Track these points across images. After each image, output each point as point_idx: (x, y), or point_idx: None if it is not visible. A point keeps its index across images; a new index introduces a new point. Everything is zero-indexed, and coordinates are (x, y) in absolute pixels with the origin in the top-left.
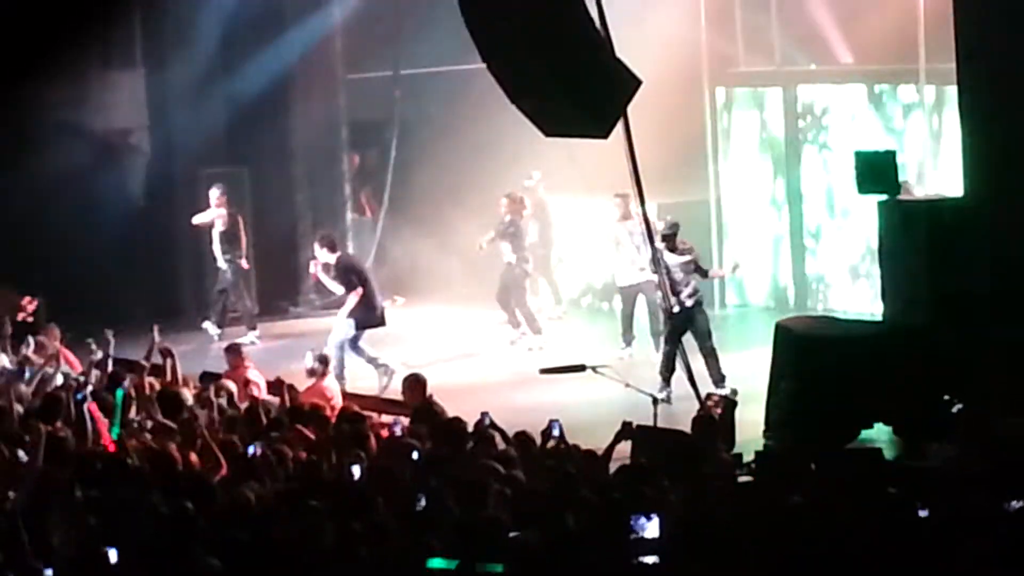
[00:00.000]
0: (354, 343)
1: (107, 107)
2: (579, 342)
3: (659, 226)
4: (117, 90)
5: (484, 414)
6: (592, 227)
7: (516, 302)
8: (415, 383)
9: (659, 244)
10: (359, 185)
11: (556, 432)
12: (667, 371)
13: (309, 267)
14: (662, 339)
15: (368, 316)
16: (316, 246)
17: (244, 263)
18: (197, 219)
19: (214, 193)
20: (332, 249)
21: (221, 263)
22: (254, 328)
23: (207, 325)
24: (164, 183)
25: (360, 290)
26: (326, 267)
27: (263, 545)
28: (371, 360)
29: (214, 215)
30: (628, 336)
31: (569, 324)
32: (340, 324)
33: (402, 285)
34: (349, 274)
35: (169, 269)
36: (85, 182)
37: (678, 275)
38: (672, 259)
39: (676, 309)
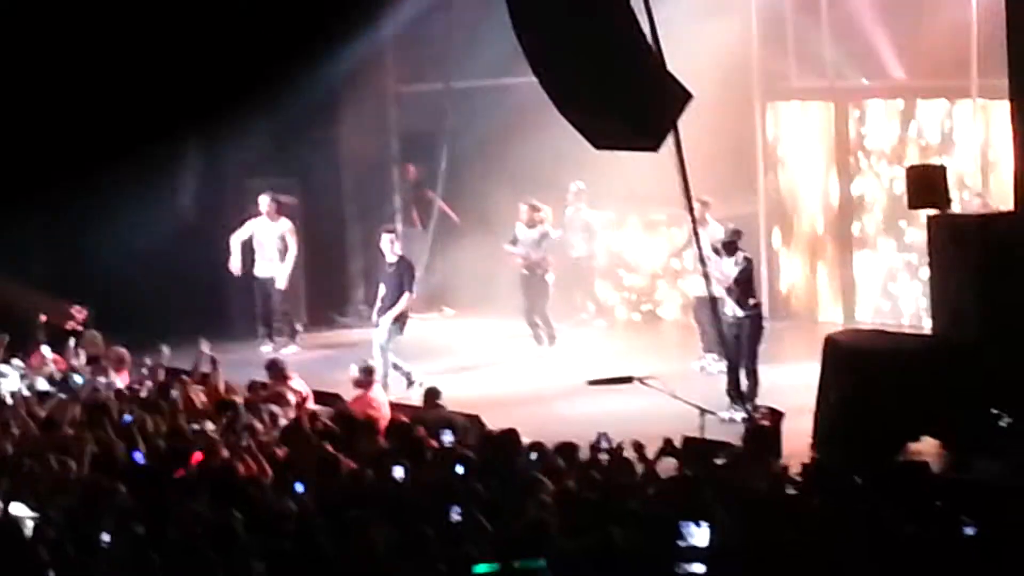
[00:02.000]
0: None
1: None
2: (624, 354)
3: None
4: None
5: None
6: (638, 239)
7: (541, 310)
8: (430, 396)
9: (709, 252)
10: (411, 196)
11: (605, 445)
12: (730, 386)
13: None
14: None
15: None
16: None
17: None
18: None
19: (268, 201)
20: (394, 240)
21: (278, 271)
22: (294, 339)
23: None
24: (213, 193)
25: (412, 295)
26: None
27: (306, 553)
28: (395, 366)
29: (287, 227)
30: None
31: (614, 335)
32: (386, 326)
33: (451, 296)
34: (411, 275)
35: (218, 281)
36: (135, 194)
37: (732, 285)
38: (727, 268)
39: (732, 318)
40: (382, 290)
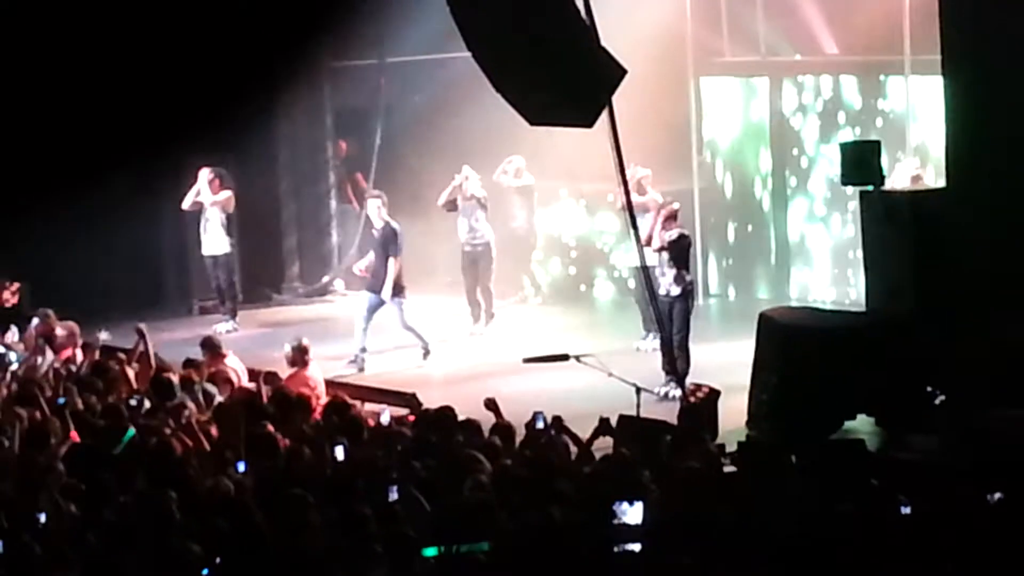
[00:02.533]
0: (369, 315)
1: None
2: (560, 330)
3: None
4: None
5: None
6: (575, 214)
7: (484, 285)
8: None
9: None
10: (344, 173)
11: (540, 424)
12: (666, 363)
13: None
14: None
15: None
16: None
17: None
18: (204, 200)
19: (208, 176)
20: (383, 205)
21: (224, 247)
22: (235, 316)
23: (222, 326)
24: (149, 171)
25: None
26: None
27: (244, 533)
28: (417, 335)
29: (224, 197)
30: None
31: (550, 312)
32: (389, 301)
33: None
34: (395, 240)
35: (152, 256)
36: (68, 170)
37: (667, 262)
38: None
39: (665, 295)
40: (369, 257)
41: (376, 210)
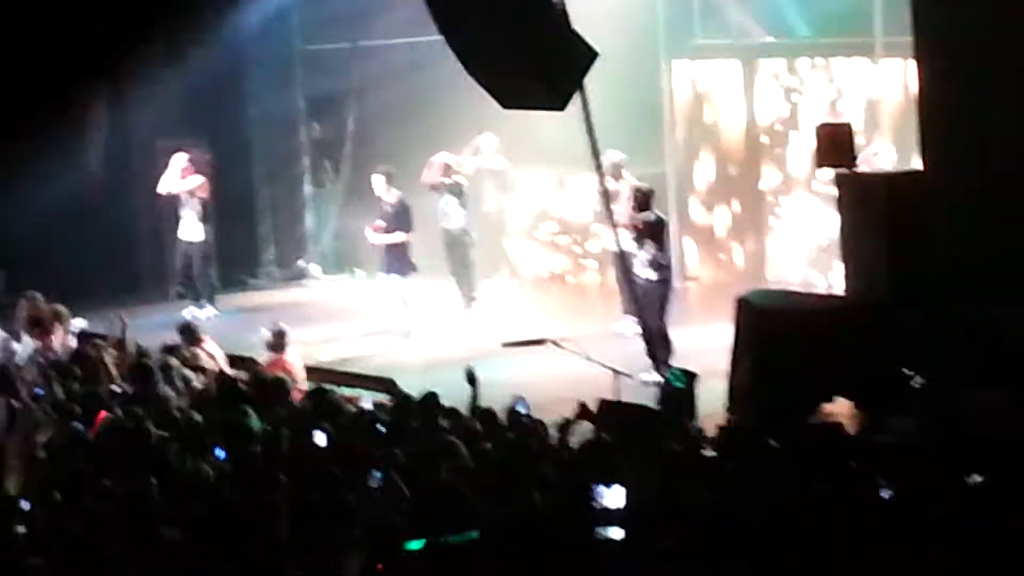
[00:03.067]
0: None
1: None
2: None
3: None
4: None
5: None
6: (552, 197)
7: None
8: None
9: (621, 211)
10: (318, 157)
11: (521, 408)
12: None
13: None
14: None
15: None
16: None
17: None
18: (176, 187)
19: (182, 161)
20: (389, 181)
21: (198, 234)
22: (213, 302)
23: (193, 310)
24: (121, 155)
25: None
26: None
27: (221, 517)
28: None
29: (196, 183)
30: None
31: (529, 296)
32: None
33: (360, 258)
34: (406, 214)
35: (126, 241)
36: (41, 154)
37: (643, 246)
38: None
39: (643, 280)
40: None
41: (384, 186)
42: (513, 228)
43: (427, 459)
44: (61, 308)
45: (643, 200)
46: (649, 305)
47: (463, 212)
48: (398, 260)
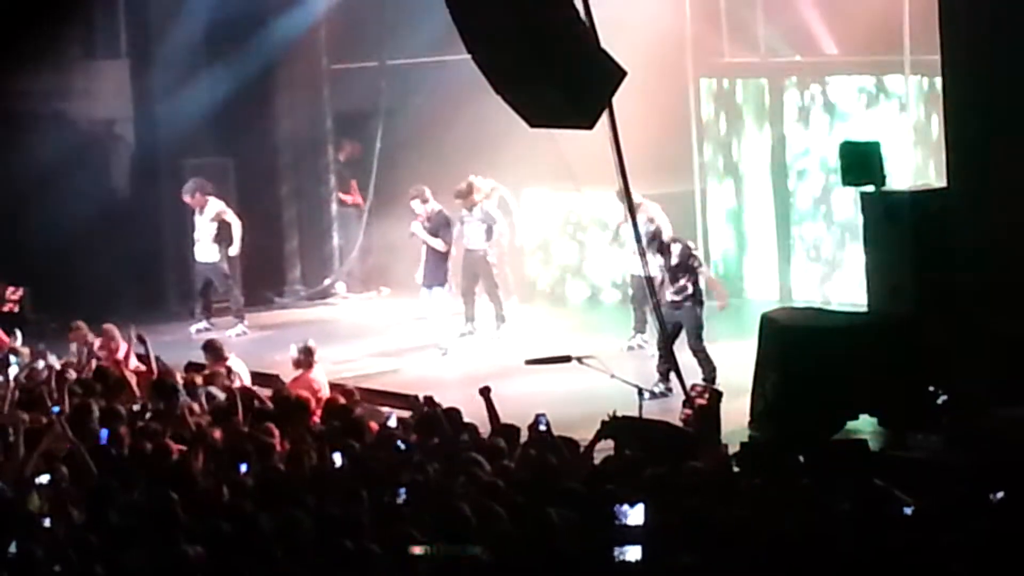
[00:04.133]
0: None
1: (91, 97)
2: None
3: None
4: (101, 80)
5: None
6: (573, 218)
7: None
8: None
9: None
10: (346, 176)
11: (543, 426)
12: (660, 365)
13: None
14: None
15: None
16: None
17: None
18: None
19: (186, 196)
20: (424, 200)
21: (212, 255)
22: (242, 319)
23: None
24: (148, 174)
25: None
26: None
27: (245, 534)
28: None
29: (218, 208)
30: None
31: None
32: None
33: (387, 276)
34: (446, 227)
35: (153, 260)
36: (69, 172)
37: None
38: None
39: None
40: (424, 250)
41: (420, 203)
42: (529, 248)
43: (450, 475)
44: (110, 327)
45: (667, 247)
46: (690, 332)
47: (486, 234)
48: (438, 268)
